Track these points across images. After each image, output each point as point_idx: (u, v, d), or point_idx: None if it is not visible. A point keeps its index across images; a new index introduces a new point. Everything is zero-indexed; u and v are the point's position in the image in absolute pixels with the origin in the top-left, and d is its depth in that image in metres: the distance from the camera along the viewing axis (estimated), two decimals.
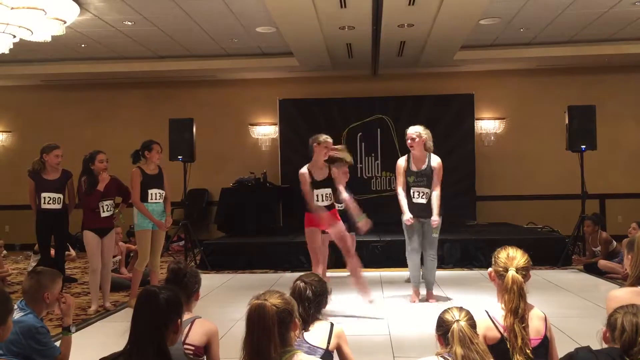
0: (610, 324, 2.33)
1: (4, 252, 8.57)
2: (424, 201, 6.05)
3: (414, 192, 6.06)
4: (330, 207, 5.81)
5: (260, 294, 2.38)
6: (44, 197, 6.28)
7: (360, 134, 11.41)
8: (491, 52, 10.62)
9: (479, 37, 9.75)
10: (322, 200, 5.76)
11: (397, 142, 10.73)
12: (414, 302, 6.21)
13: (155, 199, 6.18)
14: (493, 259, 2.83)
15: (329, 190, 5.77)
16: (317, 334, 2.86)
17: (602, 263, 7.72)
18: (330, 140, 5.81)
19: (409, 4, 7.66)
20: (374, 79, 11.81)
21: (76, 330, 3.46)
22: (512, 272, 2.70)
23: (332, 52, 10.21)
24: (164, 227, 6.25)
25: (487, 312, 2.73)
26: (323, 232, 5.93)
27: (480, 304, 2.80)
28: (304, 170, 5.83)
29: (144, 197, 6.13)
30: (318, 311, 2.98)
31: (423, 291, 6.29)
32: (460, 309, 2.44)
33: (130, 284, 6.47)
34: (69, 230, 7.03)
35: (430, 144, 6.12)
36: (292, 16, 8.07)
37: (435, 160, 6.11)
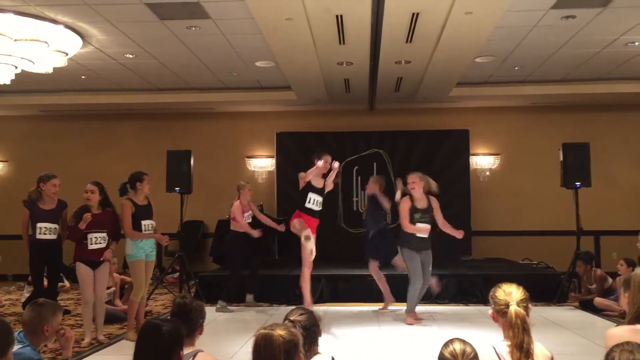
0: None
1: None
2: (425, 236, 6.80)
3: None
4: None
5: (267, 325, 2.38)
6: (40, 227, 6.20)
7: (357, 167, 11.48)
8: (486, 89, 10.78)
9: (475, 74, 9.90)
10: None
11: (394, 176, 10.77)
12: (414, 324, 6.78)
13: (148, 229, 6.14)
14: (491, 300, 2.81)
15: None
16: None
17: (598, 300, 7.71)
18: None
19: (407, 42, 7.80)
20: (370, 113, 11.93)
21: None
22: (513, 307, 2.69)
23: (329, 87, 10.33)
24: (164, 240, 6.25)
25: (494, 348, 2.72)
26: None
27: (482, 341, 2.79)
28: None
29: (137, 229, 6.08)
30: (314, 343, 2.96)
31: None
32: (463, 341, 2.43)
33: (125, 316, 6.39)
34: (63, 261, 6.96)
35: (430, 185, 6.90)
36: (292, 51, 8.19)
37: (434, 200, 6.96)
